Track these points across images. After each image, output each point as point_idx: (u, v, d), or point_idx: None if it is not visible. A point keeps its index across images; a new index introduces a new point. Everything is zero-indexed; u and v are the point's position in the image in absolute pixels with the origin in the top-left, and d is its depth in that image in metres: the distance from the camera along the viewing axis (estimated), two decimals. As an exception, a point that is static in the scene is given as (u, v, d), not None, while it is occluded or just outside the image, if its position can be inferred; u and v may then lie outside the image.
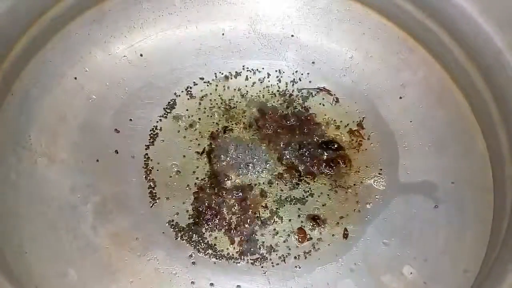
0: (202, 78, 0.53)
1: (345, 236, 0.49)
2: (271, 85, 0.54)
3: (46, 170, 0.48)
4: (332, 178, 0.51)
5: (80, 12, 0.50)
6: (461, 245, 0.47)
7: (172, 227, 0.49)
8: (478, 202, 0.47)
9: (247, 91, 0.53)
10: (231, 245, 0.48)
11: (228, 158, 0.51)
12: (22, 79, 0.47)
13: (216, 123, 0.52)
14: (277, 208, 0.50)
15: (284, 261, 0.48)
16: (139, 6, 0.52)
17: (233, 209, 0.49)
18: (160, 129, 0.51)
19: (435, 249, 0.47)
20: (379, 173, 0.51)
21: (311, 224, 0.49)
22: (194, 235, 0.49)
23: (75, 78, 0.50)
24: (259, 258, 0.48)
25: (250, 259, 0.48)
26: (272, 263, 0.48)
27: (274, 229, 0.49)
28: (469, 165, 0.49)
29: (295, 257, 0.48)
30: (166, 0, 0.53)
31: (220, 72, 0.53)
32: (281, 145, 0.51)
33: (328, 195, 0.50)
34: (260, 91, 0.53)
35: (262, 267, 0.48)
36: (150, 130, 0.51)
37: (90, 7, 0.50)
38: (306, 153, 0.51)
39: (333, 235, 0.49)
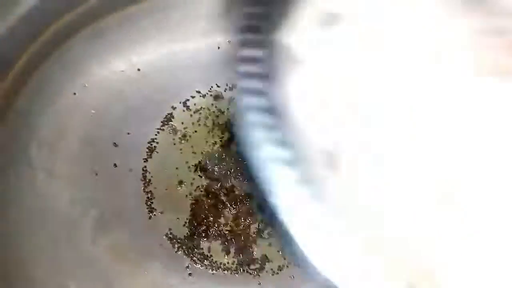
0: (198, 92, 0.54)
1: None
2: (267, 96, 0.54)
3: (45, 185, 0.49)
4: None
5: (79, 28, 0.51)
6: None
7: (170, 239, 0.49)
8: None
9: (243, 103, 0.54)
10: (226, 256, 0.49)
11: (224, 169, 0.52)
12: (22, 96, 0.48)
13: (212, 135, 0.53)
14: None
15: (281, 270, 0.48)
16: (138, 22, 0.53)
17: (229, 220, 0.50)
18: (157, 142, 0.52)
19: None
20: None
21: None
22: (191, 246, 0.49)
23: (74, 94, 0.52)
24: (255, 269, 0.49)
25: (246, 270, 0.49)
26: (267, 273, 0.49)
27: (270, 240, 0.49)
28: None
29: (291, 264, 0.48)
30: (164, 16, 0.54)
31: (216, 85, 0.54)
32: (277, 156, 0.52)
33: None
34: (256, 102, 0.54)
35: (259, 276, 0.48)
36: (148, 143, 0.52)
37: (88, 24, 0.52)
38: (301, 164, 0.51)
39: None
